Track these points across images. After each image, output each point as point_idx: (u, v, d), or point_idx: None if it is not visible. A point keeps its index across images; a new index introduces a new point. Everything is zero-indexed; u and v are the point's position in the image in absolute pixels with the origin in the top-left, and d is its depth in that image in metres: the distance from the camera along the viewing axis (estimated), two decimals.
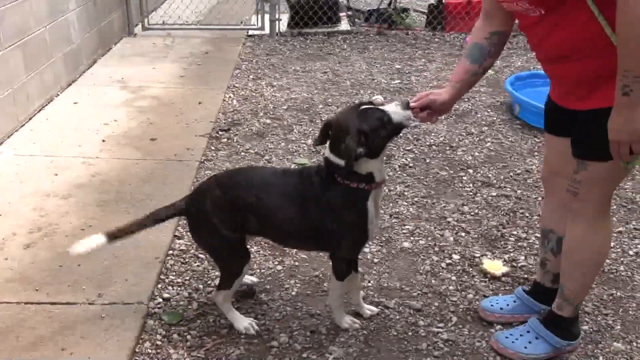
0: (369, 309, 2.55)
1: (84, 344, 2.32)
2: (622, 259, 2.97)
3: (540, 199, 3.48)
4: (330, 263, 2.39)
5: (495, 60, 2.28)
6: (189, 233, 3.05)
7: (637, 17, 1.69)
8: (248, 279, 2.67)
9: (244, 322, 2.44)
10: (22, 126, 4.25)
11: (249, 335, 2.41)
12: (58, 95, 4.87)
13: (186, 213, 2.41)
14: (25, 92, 4.34)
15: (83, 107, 4.64)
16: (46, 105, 4.65)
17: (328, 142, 2.25)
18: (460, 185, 3.67)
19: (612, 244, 2.92)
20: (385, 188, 2.75)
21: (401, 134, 2.46)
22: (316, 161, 3.91)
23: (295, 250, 2.91)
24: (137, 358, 2.30)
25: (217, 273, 2.77)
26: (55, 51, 4.86)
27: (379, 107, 2.21)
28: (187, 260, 2.88)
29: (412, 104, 2.25)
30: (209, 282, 2.73)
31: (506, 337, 2.37)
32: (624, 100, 1.79)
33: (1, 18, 3.99)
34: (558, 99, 2.15)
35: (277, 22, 6.83)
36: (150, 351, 2.33)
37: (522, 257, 2.97)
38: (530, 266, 2.90)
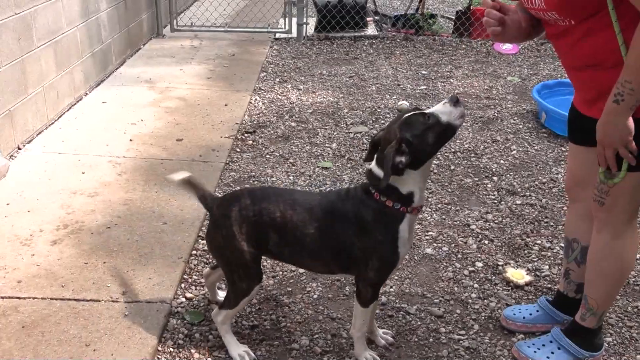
0: (384, 338, 2.43)
1: (107, 341, 2.34)
2: None
3: (565, 208, 3.45)
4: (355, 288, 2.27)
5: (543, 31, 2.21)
6: None
7: None
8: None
9: (238, 350, 2.31)
10: (51, 124, 4.31)
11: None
12: (87, 94, 4.93)
13: (210, 212, 2.34)
14: (56, 90, 4.41)
15: (111, 107, 4.70)
16: (75, 104, 4.71)
17: (375, 156, 2.15)
18: (485, 192, 3.65)
19: (638, 255, 2.89)
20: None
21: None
22: (340, 165, 3.92)
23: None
24: (159, 356, 2.32)
25: None
26: (86, 51, 4.92)
27: (424, 111, 2.08)
28: (210, 260, 2.90)
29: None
30: None
31: (528, 347, 2.36)
32: (613, 107, 1.84)
33: (34, 17, 4.05)
34: (582, 107, 2.13)
35: (304, 25, 6.86)
36: (172, 350, 2.35)
37: (546, 267, 2.95)
38: (554, 276, 2.88)
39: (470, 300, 2.70)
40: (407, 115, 2.08)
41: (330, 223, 2.17)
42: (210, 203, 2.33)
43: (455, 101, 2.05)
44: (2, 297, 2.56)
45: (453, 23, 7.15)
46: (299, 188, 3.60)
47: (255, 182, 3.64)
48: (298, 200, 2.25)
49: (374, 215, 2.11)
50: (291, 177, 3.74)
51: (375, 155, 2.15)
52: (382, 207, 2.10)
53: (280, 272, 2.84)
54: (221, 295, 2.54)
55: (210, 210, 2.34)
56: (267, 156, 4.02)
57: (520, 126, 4.64)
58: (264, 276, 2.43)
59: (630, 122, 1.86)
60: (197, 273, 2.80)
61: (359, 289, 2.22)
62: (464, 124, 4.14)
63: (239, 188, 3.54)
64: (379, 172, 2.08)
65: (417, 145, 2.02)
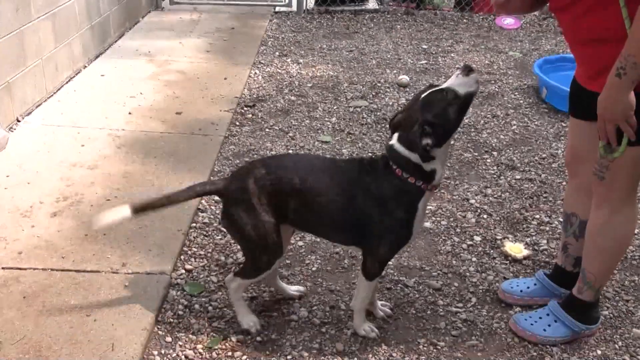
0: (382, 310, 2.44)
1: (107, 311, 2.36)
2: None
3: (564, 183, 3.45)
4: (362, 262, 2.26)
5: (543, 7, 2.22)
6: (212, 207, 3.10)
7: None
8: (294, 289, 2.53)
9: (248, 318, 2.32)
10: (50, 97, 4.29)
11: (251, 332, 2.30)
12: (86, 67, 4.91)
13: (224, 192, 2.24)
14: (54, 63, 4.39)
15: (110, 80, 4.68)
16: (74, 76, 4.69)
17: (396, 135, 2.13)
18: (484, 167, 3.66)
19: (637, 230, 2.90)
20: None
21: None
22: (339, 139, 3.91)
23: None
24: (159, 327, 2.34)
25: (239, 247, 2.80)
26: (84, 23, 4.89)
27: (441, 88, 2.06)
28: (209, 233, 2.91)
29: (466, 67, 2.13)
30: (231, 255, 2.76)
31: (525, 320, 2.38)
32: (615, 81, 1.84)
33: None
34: (585, 81, 2.12)
35: None
36: (172, 320, 2.37)
37: (544, 241, 2.96)
38: (552, 250, 2.89)
39: (468, 274, 2.72)
40: (425, 94, 2.07)
41: (351, 193, 2.15)
42: (222, 187, 2.25)
43: (468, 70, 2.04)
44: (3, 268, 2.57)
45: None
46: None
47: (255, 156, 3.63)
48: (317, 166, 2.24)
49: (395, 191, 2.11)
50: (290, 151, 3.74)
51: (397, 134, 2.12)
52: (403, 184, 2.10)
53: None
54: (292, 289, 2.52)
55: (225, 191, 2.24)
56: (267, 130, 4.01)
57: (521, 101, 4.62)
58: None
59: (632, 97, 1.85)
60: (197, 245, 2.82)
61: (366, 264, 2.23)
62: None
63: (245, 161, 3.54)
64: (403, 150, 2.08)
65: (441, 123, 2.03)
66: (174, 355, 2.22)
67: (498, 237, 2.97)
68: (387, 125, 2.21)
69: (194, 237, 2.87)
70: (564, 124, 4.20)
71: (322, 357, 2.23)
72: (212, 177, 3.38)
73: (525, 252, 2.85)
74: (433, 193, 2.19)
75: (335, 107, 4.39)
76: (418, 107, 2.06)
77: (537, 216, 3.17)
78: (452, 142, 3.86)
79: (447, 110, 2.03)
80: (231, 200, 2.22)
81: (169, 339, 2.28)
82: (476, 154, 3.81)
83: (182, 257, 2.73)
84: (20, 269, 2.57)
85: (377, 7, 7.01)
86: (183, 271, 2.65)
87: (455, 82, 2.04)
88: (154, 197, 2.30)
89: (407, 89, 4.77)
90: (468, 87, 2.04)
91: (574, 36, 2.05)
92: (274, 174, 2.18)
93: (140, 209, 2.23)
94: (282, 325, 2.36)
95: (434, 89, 2.07)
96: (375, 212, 2.13)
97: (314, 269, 2.71)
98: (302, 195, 2.16)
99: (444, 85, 2.07)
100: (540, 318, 2.36)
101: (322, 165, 2.26)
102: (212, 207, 3.11)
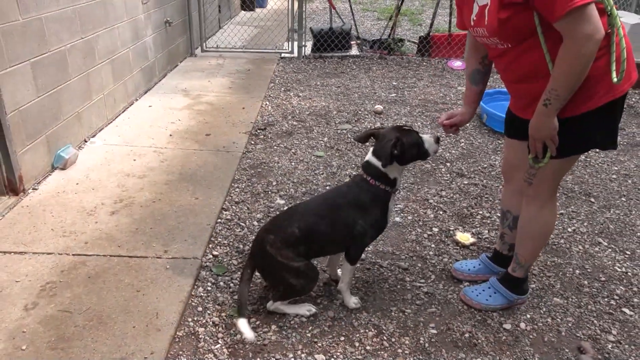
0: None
1: (153, 287, 2.33)
2: (562, 234, 2.94)
3: (501, 187, 3.44)
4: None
5: (489, 76, 2.24)
6: (233, 207, 3.07)
7: (574, 56, 1.69)
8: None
9: (302, 309, 2.23)
10: (109, 123, 4.26)
11: (312, 314, 2.22)
12: (137, 100, 4.88)
13: (255, 265, 2.19)
14: (113, 97, 4.36)
15: (155, 110, 4.65)
16: (128, 107, 4.66)
17: (371, 149, 2.14)
18: (440, 175, 3.64)
19: (556, 222, 2.89)
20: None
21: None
22: (330, 154, 3.89)
23: None
24: (192, 299, 2.31)
25: (254, 237, 2.78)
26: (136, 66, 4.86)
27: (417, 132, 2.15)
28: (231, 226, 2.88)
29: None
30: (248, 244, 2.73)
31: (472, 292, 2.36)
32: (543, 109, 1.82)
33: (96, 41, 3.99)
34: (517, 110, 2.11)
35: (303, 47, 6.79)
36: (202, 294, 2.34)
37: (486, 231, 2.95)
38: (492, 238, 2.87)
39: (428, 257, 2.70)
40: (405, 127, 2.14)
41: (339, 216, 2.12)
42: (251, 261, 2.19)
43: (437, 140, 2.16)
44: (73, 255, 2.54)
45: (416, 46, 7.09)
46: (298, 172, 3.57)
47: (265, 167, 3.61)
48: (305, 211, 2.16)
49: (371, 196, 2.13)
50: (293, 164, 3.71)
51: (372, 149, 2.15)
52: (376, 189, 2.13)
53: None
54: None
55: (256, 265, 2.18)
56: (275, 147, 3.99)
57: (468, 124, 4.60)
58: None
59: (556, 121, 1.84)
60: (221, 236, 2.79)
61: (350, 253, 2.20)
62: (441, 136, 4.11)
63: (258, 171, 3.51)
64: (376, 162, 2.11)
65: (406, 148, 2.09)
66: (204, 321, 2.19)
67: (451, 229, 2.95)
68: (372, 145, 2.19)
69: (219, 230, 2.85)
70: (500, 142, 4.19)
71: (317, 322, 2.21)
72: (232, 184, 3.35)
73: (472, 240, 2.83)
74: (395, 195, 2.20)
75: (327, 130, 4.37)
76: (396, 131, 2.12)
77: (480, 212, 3.15)
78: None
79: (413, 145, 2.12)
80: (265, 270, 2.17)
81: (200, 308, 2.25)
82: (434, 164, 3.79)
83: (210, 245, 2.71)
84: (86, 255, 2.54)
85: (358, 53, 6.99)
86: (211, 256, 2.62)
87: (427, 138, 2.16)
88: (243, 301, 2.13)
89: (381, 116, 4.75)
90: (430, 148, 2.16)
91: (508, 76, 2.03)
92: (279, 234, 2.10)
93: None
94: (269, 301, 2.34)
95: (413, 130, 2.15)
96: (360, 216, 2.13)
97: None
98: (304, 239, 2.10)
99: (420, 134, 2.16)
100: (483, 290, 2.35)
101: (307, 208, 2.18)
102: (233, 207, 3.08)
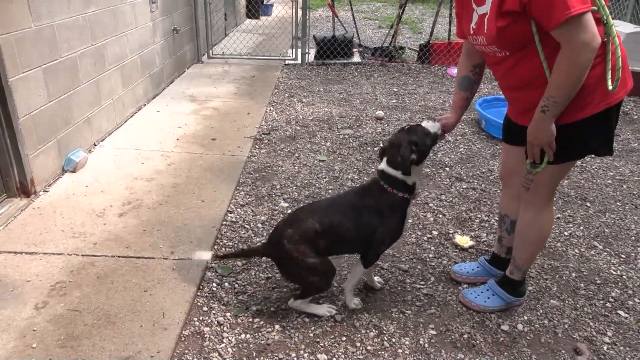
0: (379, 282, 2.43)
1: (160, 287, 2.33)
2: (559, 238, 2.93)
3: (498, 191, 3.43)
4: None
5: (479, 85, 2.24)
6: (237, 210, 3.07)
7: (572, 63, 1.69)
8: (377, 280, 2.43)
9: (322, 309, 2.23)
10: (118, 127, 4.27)
11: (331, 317, 2.22)
12: (145, 105, 4.89)
13: (269, 256, 2.19)
14: (122, 102, 4.37)
15: (163, 115, 4.66)
16: (136, 112, 4.67)
17: (385, 159, 2.09)
18: (439, 179, 3.63)
19: (553, 226, 2.88)
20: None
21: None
22: (332, 158, 3.89)
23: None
24: (198, 299, 2.31)
25: (258, 239, 2.78)
26: (144, 73, 4.88)
27: (419, 124, 2.09)
28: (236, 229, 2.89)
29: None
30: (252, 245, 2.73)
31: (470, 293, 2.35)
32: (541, 116, 1.81)
33: (105, 48, 4.00)
34: (514, 117, 2.11)
35: (306, 54, 6.80)
36: (207, 295, 2.34)
37: (485, 235, 2.94)
38: (490, 241, 2.87)
39: (428, 259, 2.69)
40: (407, 126, 2.09)
41: (359, 217, 2.08)
42: (264, 249, 2.18)
43: (432, 120, 2.12)
44: (82, 255, 2.54)
45: (417, 53, 7.10)
46: (301, 176, 3.58)
47: (269, 171, 3.61)
48: (327, 207, 2.12)
49: (390, 204, 2.08)
50: (296, 168, 3.71)
51: (386, 158, 2.08)
52: (395, 197, 2.07)
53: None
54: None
55: (270, 255, 2.19)
56: (279, 151, 3.99)
57: (466, 130, 4.61)
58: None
59: (553, 127, 1.83)
60: (226, 238, 2.79)
61: (367, 257, 2.17)
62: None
63: (262, 175, 3.52)
64: (392, 172, 2.05)
65: (421, 145, 2.04)
66: (209, 320, 2.19)
67: (450, 232, 2.95)
68: (373, 150, 2.17)
69: (224, 232, 2.85)
70: (498, 147, 4.19)
71: (320, 322, 2.20)
72: (237, 187, 3.35)
73: (470, 243, 2.83)
74: (415, 200, 2.15)
75: (329, 135, 4.38)
76: (404, 134, 2.06)
77: (479, 216, 3.14)
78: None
79: (425, 137, 2.06)
80: (281, 264, 2.15)
81: (205, 308, 2.25)
82: (434, 169, 3.79)
83: (215, 246, 2.71)
84: (95, 255, 2.55)
85: (360, 60, 7.00)
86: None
87: (428, 124, 2.10)
88: (232, 252, 2.17)
89: (382, 121, 4.75)
90: (436, 130, 2.10)
91: (506, 84, 2.04)
92: (298, 228, 2.07)
93: (219, 257, 2.21)
94: (290, 298, 2.33)
95: (413, 124, 2.08)
96: (379, 222, 2.08)
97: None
98: (325, 234, 2.07)
99: (420, 124, 2.10)
100: (482, 292, 2.34)
101: (330, 205, 2.14)
102: (238, 210, 3.08)
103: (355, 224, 2.08)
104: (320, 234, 2.06)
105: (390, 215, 2.08)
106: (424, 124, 2.10)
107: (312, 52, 7.06)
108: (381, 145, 2.23)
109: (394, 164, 2.05)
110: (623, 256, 2.77)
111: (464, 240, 2.84)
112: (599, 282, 2.55)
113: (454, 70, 6.57)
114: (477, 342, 2.13)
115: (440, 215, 3.13)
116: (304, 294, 2.19)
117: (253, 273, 2.50)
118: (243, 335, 2.11)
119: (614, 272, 2.63)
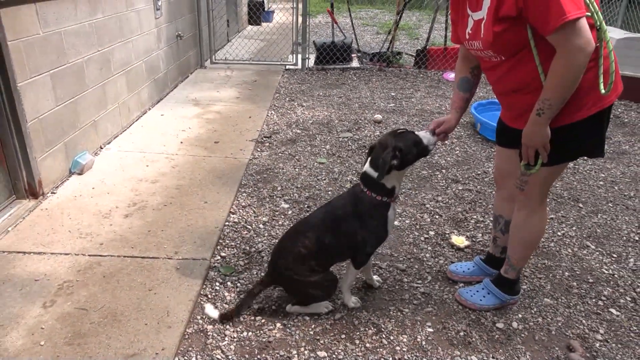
0: (377, 281, 2.43)
1: (164, 286, 2.33)
2: (552, 238, 2.93)
3: (493, 192, 3.44)
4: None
5: (477, 87, 2.23)
6: (240, 210, 3.07)
7: (567, 67, 1.69)
8: (376, 279, 2.43)
9: (320, 307, 2.23)
10: (124, 131, 4.28)
11: (330, 314, 2.23)
12: (150, 109, 4.89)
13: (274, 284, 2.21)
14: (127, 106, 4.37)
15: (167, 118, 4.67)
16: (141, 116, 4.67)
17: (369, 159, 2.07)
18: (436, 181, 3.64)
19: (546, 227, 2.88)
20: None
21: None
22: (332, 161, 3.90)
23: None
24: (201, 298, 2.31)
25: (259, 239, 2.78)
26: (149, 78, 4.88)
27: (413, 132, 2.05)
28: (238, 229, 2.89)
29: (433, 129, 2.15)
30: (254, 245, 2.73)
31: (467, 292, 2.35)
32: (536, 118, 1.81)
33: (111, 53, 4.01)
34: (508, 121, 2.11)
35: (306, 60, 6.80)
36: (210, 293, 2.35)
37: (480, 235, 2.94)
38: (486, 241, 2.87)
39: (425, 259, 2.69)
40: (400, 131, 2.05)
41: (338, 228, 2.07)
42: (269, 279, 2.18)
43: (433, 133, 2.08)
44: (89, 255, 2.54)
45: (414, 58, 7.11)
46: (302, 178, 3.58)
47: (270, 173, 3.61)
48: (304, 230, 2.11)
49: (369, 207, 2.05)
50: (296, 170, 3.72)
51: (369, 159, 2.07)
52: (374, 201, 2.05)
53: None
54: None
55: (275, 283, 2.20)
56: (280, 154, 3.99)
57: (462, 133, 4.62)
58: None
59: (548, 130, 1.83)
60: (229, 238, 2.79)
61: (357, 258, 2.17)
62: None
63: (264, 177, 3.51)
64: (373, 173, 2.02)
65: (405, 153, 2.00)
66: (212, 319, 2.18)
67: (446, 232, 2.95)
68: (367, 150, 2.15)
69: (227, 232, 2.85)
70: (493, 150, 4.19)
71: (320, 320, 2.20)
72: (239, 189, 3.36)
73: (466, 243, 2.83)
74: (397, 203, 2.13)
75: (329, 138, 4.38)
76: (392, 138, 2.03)
77: (475, 217, 3.15)
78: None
79: (412, 147, 2.03)
80: (286, 287, 2.19)
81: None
82: (430, 171, 3.79)
83: (218, 247, 2.71)
84: (101, 255, 2.55)
85: (358, 65, 7.01)
86: (219, 257, 2.62)
87: (423, 134, 2.07)
88: (232, 309, 2.17)
89: (380, 125, 4.76)
90: (429, 143, 2.07)
91: (500, 88, 2.04)
92: (288, 256, 2.09)
93: (225, 317, 2.15)
94: (289, 299, 2.33)
95: (407, 130, 2.06)
96: (359, 226, 2.07)
97: None
98: (312, 254, 2.08)
99: (415, 132, 2.07)
100: (477, 291, 2.34)
101: (307, 224, 2.13)
102: (240, 211, 3.08)
103: (336, 236, 2.07)
104: (308, 255, 2.07)
105: (370, 218, 2.06)
106: (421, 133, 2.07)
107: (312, 58, 7.07)
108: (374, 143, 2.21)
109: (375, 165, 2.02)
110: (615, 256, 2.77)
111: (460, 241, 2.84)
112: (591, 281, 2.55)
113: (450, 75, 6.57)
114: (473, 339, 2.13)
115: (437, 216, 3.14)
116: (304, 303, 2.20)
117: (255, 272, 2.50)
118: (245, 333, 2.11)
119: (606, 271, 2.63)
